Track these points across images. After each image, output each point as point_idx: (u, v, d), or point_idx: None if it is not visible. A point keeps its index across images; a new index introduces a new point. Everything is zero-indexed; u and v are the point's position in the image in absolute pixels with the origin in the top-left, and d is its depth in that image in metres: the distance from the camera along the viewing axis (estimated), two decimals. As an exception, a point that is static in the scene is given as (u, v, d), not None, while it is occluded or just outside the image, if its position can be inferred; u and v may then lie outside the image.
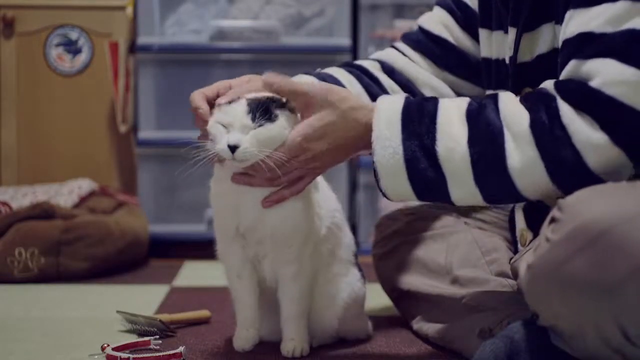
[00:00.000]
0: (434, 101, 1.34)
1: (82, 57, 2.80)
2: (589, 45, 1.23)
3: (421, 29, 1.68)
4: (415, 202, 1.66)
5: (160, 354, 1.40)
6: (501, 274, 1.52)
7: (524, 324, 1.24)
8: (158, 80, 2.76)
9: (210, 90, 1.44)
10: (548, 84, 1.28)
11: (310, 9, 2.81)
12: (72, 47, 2.80)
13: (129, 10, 2.75)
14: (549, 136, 1.24)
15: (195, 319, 1.70)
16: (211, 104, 1.40)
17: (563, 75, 1.27)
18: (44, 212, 2.29)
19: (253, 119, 1.32)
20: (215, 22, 2.76)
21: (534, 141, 1.25)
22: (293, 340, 1.42)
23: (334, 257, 1.48)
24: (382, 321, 1.68)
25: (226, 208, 1.41)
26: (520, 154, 1.26)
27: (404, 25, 2.76)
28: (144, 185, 2.75)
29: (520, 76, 1.41)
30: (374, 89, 1.63)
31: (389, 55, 1.68)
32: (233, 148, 1.30)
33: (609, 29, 1.22)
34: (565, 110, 1.23)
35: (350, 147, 1.36)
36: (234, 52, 2.77)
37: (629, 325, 1.09)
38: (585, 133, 1.22)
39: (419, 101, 1.35)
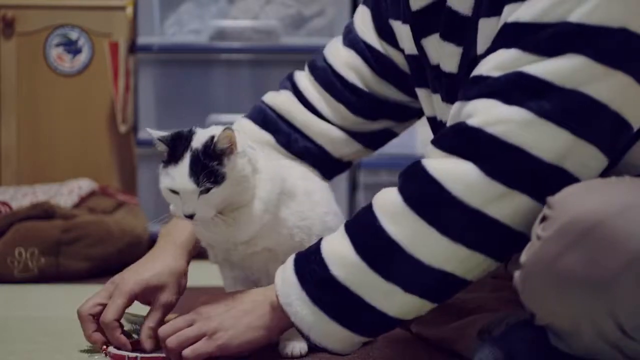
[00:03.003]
0: (318, 240, 1.32)
1: (82, 57, 2.81)
2: (474, 87, 1.21)
3: (331, 69, 1.58)
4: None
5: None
6: (499, 275, 1.52)
7: (523, 324, 1.24)
8: (158, 80, 2.76)
9: (121, 310, 1.44)
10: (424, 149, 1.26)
11: (310, 9, 2.81)
12: (72, 47, 2.80)
13: (129, 10, 2.76)
14: (425, 201, 1.21)
15: (195, 319, 1.69)
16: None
17: (449, 119, 1.25)
18: (44, 212, 2.30)
19: (197, 183, 1.28)
20: (215, 22, 2.77)
21: (413, 212, 1.21)
22: (291, 340, 1.42)
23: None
24: (381, 321, 1.69)
25: (203, 243, 1.45)
26: (407, 231, 1.22)
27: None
28: (144, 185, 2.75)
29: None
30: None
31: (288, 107, 1.59)
32: (190, 216, 1.31)
33: (495, 73, 1.19)
34: (435, 166, 1.20)
35: (260, 326, 1.32)
36: (234, 52, 2.78)
37: (624, 318, 1.09)
38: (459, 178, 1.18)
39: (307, 249, 1.33)
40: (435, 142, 1.24)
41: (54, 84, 2.80)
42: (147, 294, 1.45)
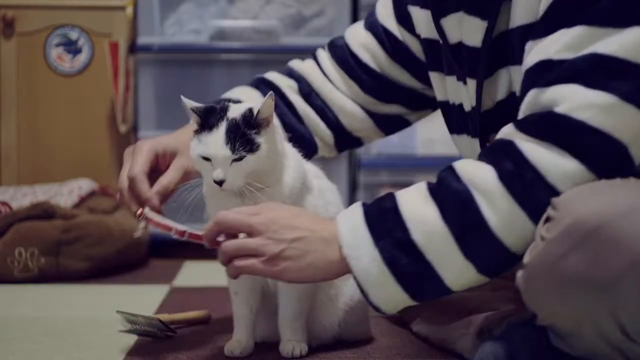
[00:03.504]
0: (390, 196, 1.28)
1: (82, 57, 2.80)
2: (549, 72, 1.19)
3: (348, 48, 1.64)
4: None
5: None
6: (500, 275, 1.52)
7: (524, 324, 1.24)
8: (158, 80, 2.76)
9: (153, 154, 1.45)
10: (504, 130, 1.23)
11: (310, 9, 2.81)
12: (72, 47, 2.80)
13: (129, 10, 2.75)
14: (520, 182, 1.18)
15: (195, 319, 1.70)
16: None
17: (523, 107, 1.22)
18: (44, 212, 2.29)
19: (232, 150, 1.31)
20: (215, 22, 2.76)
21: (507, 193, 1.18)
22: (291, 341, 1.42)
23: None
24: (382, 321, 1.69)
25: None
26: (499, 212, 1.18)
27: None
28: (144, 185, 2.75)
29: (486, 124, 1.38)
30: (288, 118, 1.61)
31: (309, 71, 1.65)
32: (219, 182, 1.32)
33: (568, 55, 1.18)
34: (529, 149, 1.18)
35: (314, 260, 1.28)
36: (234, 52, 2.77)
37: (626, 321, 1.09)
38: (556, 165, 1.16)
39: (376, 202, 1.29)
40: (524, 127, 1.20)
41: (54, 83, 2.80)
42: (165, 156, 1.45)
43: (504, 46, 1.32)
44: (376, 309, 1.29)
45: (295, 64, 1.68)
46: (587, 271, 1.09)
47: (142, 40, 2.74)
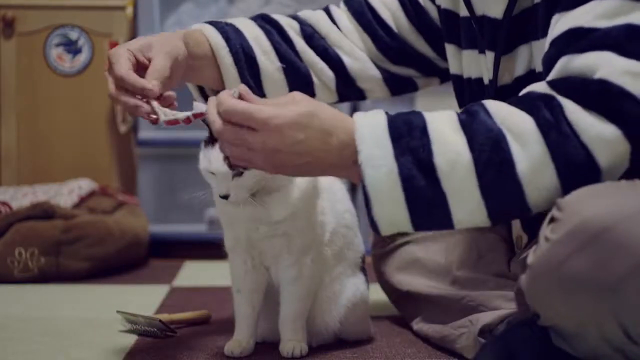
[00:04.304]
0: (418, 114, 1.22)
1: (82, 57, 2.80)
2: (581, 39, 1.18)
3: (367, 3, 1.62)
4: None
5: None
6: (500, 274, 1.52)
7: (524, 323, 1.24)
8: (158, 80, 2.76)
9: (131, 53, 1.38)
10: (538, 86, 1.21)
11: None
12: (72, 47, 2.80)
13: (129, 10, 2.75)
14: (557, 134, 1.15)
15: (195, 319, 1.70)
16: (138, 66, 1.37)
17: (554, 74, 1.21)
18: (44, 212, 2.29)
19: (230, 167, 1.32)
20: (215, 22, 2.76)
21: (543, 139, 1.16)
22: (291, 341, 1.42)
23: (340, 258, 1.48)
24: (382, 321, 1.69)
25: (225, 223, 1.44)
26: (528, 156, 1.16)
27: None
28: (144, 185, 2.75)
29: (502, 99, 1.38)
30: (284, 49, 1.55)
31: (315, 18, 1.62)
32: (224, 197, 1.34)
33: (601, 24, 1.18)
34: (570, 107, 1.16)
35: (325, 167, 1.22)
36: (234, 52, 2.77)
37: (630, 323, 1.09)
38: (595, 128, 1.15)
39: (403, 115, 1.22)
40: (561, 88, 1.18)
41: (54, 83, 2.80)
42: (143, 52, 1.39)
43: (527, 21, 1.33)
44: (373, 225, 1.22)
45: (303, 11, 1.64)
46: (591, 273, 1.09)
47: (142, 40, 2.73)
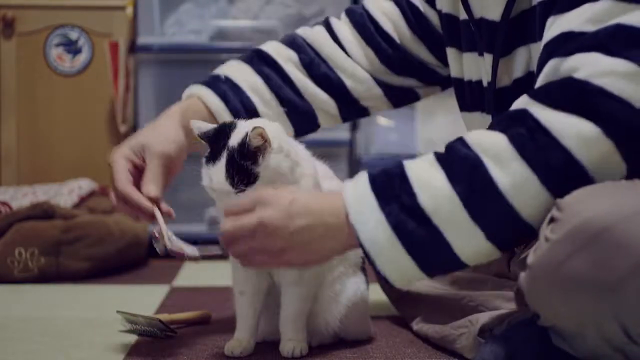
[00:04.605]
0: (398, 164, 1.26)
1: (82, 57, 2.80)
2: (570, 42, 1.19)
3: (368, 15, 1.63)
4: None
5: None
6: (500, 275, 1.52)
7: (524, 324, 1.24)
8: (158, 80, 2.76)
9: (128, 161, 1.50)
10: (518, 101, 1.22)
11: (310, 9, 2.81)
12: (72, 47, 2.80)
13: (129, 10, 2.75)
14: (533, 145, 1.16)
15: (195, 319, 1.70)
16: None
17: (541, 77, 1.22)
18: (44, 212, 2.29)
19: (232, 185, 1.32)
20: (215, 22, 2.76)
21: (518, 155, 1.16)
22: (292, 341, 1.42)
23: (342, 259, 1.48)
24: (382, 321, 1.69)
25: None
26: (508, 174, 1.17)
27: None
28: (144, 185, 2.75)
29: (501, 101, 1.39)
30: (284, 92, 1.59)
31: (315, 38, 1.63)
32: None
33: (591, 27, 1.18)
34: (544, 115, 1.16)
35: (321, 244, 1.27)
36: (234, 52, 2.75)
37: (630, 323, 1.09)
38: (571, 128, 1.14)
39: (382, 170, 1.27)
40: (539, 96, 1.19)
41: (54, 84, 2.79)
42: (139, 155, 1.49)
43: (525, 23, 1.33)
44: (385, 280, 1.25)
45: (302, 30, 1.65)
46: (591, 273, 1.09)
47: (142, 40, 2.74)
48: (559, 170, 1.16)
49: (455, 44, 1.50)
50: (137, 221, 1.44)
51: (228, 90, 1.57)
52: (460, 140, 1.22)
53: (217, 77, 1.60)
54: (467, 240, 1.20)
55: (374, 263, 1.24)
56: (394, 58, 1.62)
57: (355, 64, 1.62)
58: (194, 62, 2.76)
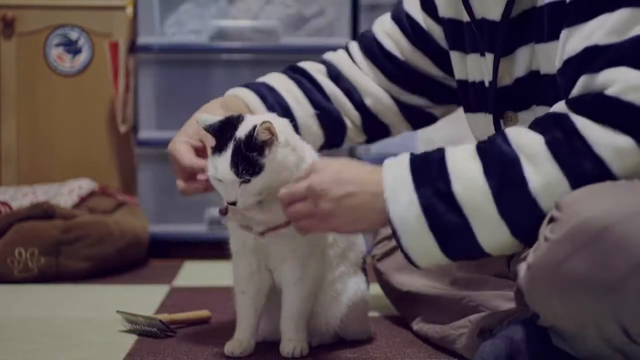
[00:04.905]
0: (439, 150, 1.31)
1: (82, 57, 2.80)
2: (597, 58, 1.20)
3: (374, 37, 1.70)
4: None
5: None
6: (500, 275, 1.52)
7: (524, 323, 1.24)
8: (158, 80, 2.76)
9: (192, 139, 1.51)
10: (558, 105, 1.24)
11: (310, 9, 2.81)
12: (72, 47, 2.80)
13: (129, 10, 2.75)
14: (567, 149, 1.19)
15: (195, 319, 1.70)
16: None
17: (574, 93, 1.23)
18: (44, 212, 2.29)
19: (237, 174, 1.32)
20: (215, 22, 2.76)
21: (552, 157, 1.19)
22: (292, 341, 1.43)
23: (342, 259, 1.48)
24: (382, 321, 1.69)
25: (232, 226, 1.44)
26: (541, 174, 1.20)
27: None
28: (144, 185, 2.75)
29: (502, 100, 1.41)
30: (315, 95, 1.65)
31: (338, 58, 1.72)
32: (232, 204, 1.34)
33: (614, 39, 1.19)
34: (582, 123, 1.19)
35: (363, 213, 1.31)
36: (234, 52, 2.77)
37: (630, 323, 1.09)
38: (607, 139, 1.17)
39: (424, 153, 1.32)
40: (575, 105, 1.22)
41: (54, 84, 2.79)
42: (195, 137, 1.51)
43: (528, 23, 1.34)
44: (408, 258, 1.29)
45: (327, 54, 1.74)
46: (591, 273, 1.09)
47: (142, 40, 2.73)
48: (590, 178, 1.18)
49: (460, 47, 1.52)
50: (208, 192, 1.48)
51: (264, 90, 1.63)
52: (502, 135, 1.26)
53: (253, 82, 1.66)
54: (493, 233, 1.23)
55: (399, 240, 1.28)
56: (401, 75, 1.67)
57: (370, 81, 1.68)
58: (194, 62, 2.76)
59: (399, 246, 1.29)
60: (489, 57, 1.41)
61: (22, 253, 2.21)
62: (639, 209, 1.09)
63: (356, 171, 1.33)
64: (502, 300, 1.44)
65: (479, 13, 1.42)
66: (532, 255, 1.16)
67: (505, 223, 1.22)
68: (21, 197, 2.50)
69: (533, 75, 1.35)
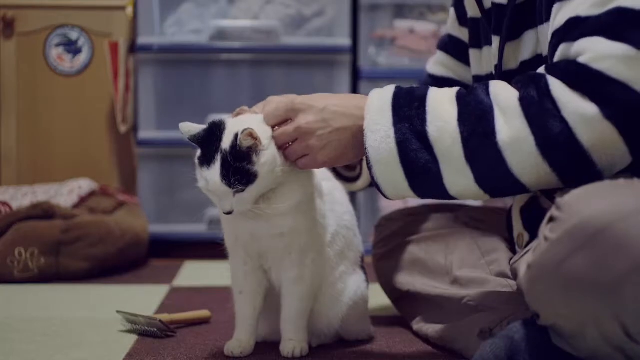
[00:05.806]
0: (424, 88, 1.35)
1: (82, 57, 2.80)
2: (576, 28, 1.24)
3: (429, 75, 1.76)
4: (414, 201, 1.59)
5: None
6: (501, 274, 1.52)
7: (524, 324, 1.24)
8: (158, 80, 2.76)
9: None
10: (539, 69, 1.28)
11: (310, 9, 2.81)
12: (72, 47, 2.80)
13: (129, 10, 2.75)
14: (538, 108, 1.23)
15: (195, 319, 1.70)
16: None
17: (554, 60, 1.27)
18: (44, 212, 2.29)
19: (229, 185, 1.31)
20: (215, 22, 2.76)
21: (523, 113, 1.24)
22: (292, 341, 1.42)
23: (342, 258, 1.48)
24: (382, 321, 1.69)
25: (225, 222, 1.43)
26: (509, 128, 1.24)
27: (404, 25, 2.76)
28: (144, 185, 2.75)
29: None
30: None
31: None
32: (228, 213, 1.34)
33: (595, 11, 1.23)
34: (556, 85, 1.23)
35: (344, 139, 1.35)
36: (234, 52, 2.77)
37: (629, 322, 1.09)
38: (574, 104, 1.21)
39: (409, 89, 1.36)
40: (552, 70, 1.25)
41: (54, 84, 2.80)
42: None
43: (533, 6, 1.37)
44: (378, 187, 1.34)
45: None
46: (590, 272, 1.09)
47: (142, 40, 2.74)
48: (556, 139, 1.22)
49: (477, 44, 1.56)
50: None
51: None
52: (485, 86, 1.31)
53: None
54: (458, 176, 1.29)
55: (371, 169, 1.32)
56: None
57: None
58: (194, 62, 2.77)
59: (370, 175, 1.33)
60: (495, 40, 1.44)
61: (22, 253, 2.21)
62: (638, 208, 1.09)
63: (340, 104, 1.36)
64: (502, 300, 1.44)
65: (488, 2, 1.46)
66: (532, 254, 1.16)
67: (470, 169, 1.28)
68: (21, 197, 2.50)
69: (538, 59, 1.38)
